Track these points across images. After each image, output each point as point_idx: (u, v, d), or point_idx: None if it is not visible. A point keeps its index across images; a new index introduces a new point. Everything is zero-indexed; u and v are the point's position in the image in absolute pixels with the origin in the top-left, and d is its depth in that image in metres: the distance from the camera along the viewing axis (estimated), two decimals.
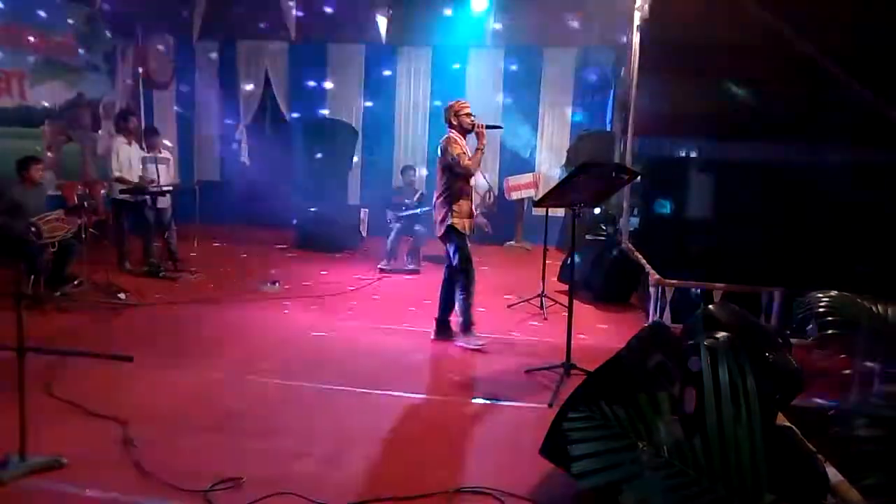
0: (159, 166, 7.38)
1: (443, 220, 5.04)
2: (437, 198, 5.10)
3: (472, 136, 5.05)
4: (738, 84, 6.89)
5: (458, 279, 5.08)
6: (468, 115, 5.04)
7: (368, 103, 11.05)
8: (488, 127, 5.06)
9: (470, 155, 4.98)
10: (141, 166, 7.42)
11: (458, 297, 5.11)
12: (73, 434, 3.37)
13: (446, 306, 5.26)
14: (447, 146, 4.97)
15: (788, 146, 6.92)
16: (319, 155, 9.68)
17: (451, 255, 5.09)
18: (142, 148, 7.74)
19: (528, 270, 8.01)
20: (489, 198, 10.88)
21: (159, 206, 7.39)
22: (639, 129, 7.66)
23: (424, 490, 2.90)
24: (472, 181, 5.19)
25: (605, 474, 1.52)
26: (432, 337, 5.28)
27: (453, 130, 5.05)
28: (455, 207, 5.00)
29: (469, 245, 5.10)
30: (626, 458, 1.55)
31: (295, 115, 11.15)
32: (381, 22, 10.22)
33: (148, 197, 7.18)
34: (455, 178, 4.99)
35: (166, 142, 8.12)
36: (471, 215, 5.12)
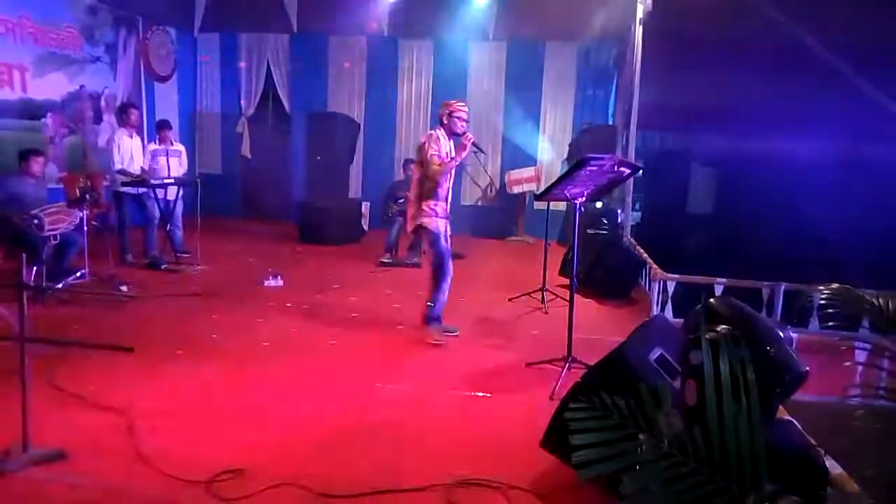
0: (170, 159, 7.51)
1: (413, 217, 4.99)
2: (412, 193, 5.00)
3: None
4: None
5: (432, 275, 5.05)
6: (462, 119, 4.90)
7: (370, 96, 11.04)
8: (474, 147, 4.88)
9: (445, 159, 4.81)
10: (143, 158, 7.45)
11: (432, 290, 5.06)
12: (74, 425, 3.38)
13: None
14: (425, 143, 4.85)
15: (792, 140, 6.92)
16: (321, 148, 9.67)
17: (427, 249, 5.07)
18: (144, 141, 7.74)
19: (529, 264, 8.02)
20: (491, 191, 10.90)
21: (168, 197, 7.48)
22: (641, 123, 7.67)
23: (426, 482, 2.91)
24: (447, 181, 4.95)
25: (606, 464, 1.53)
26: (419, 323, 5.14)
27: (441, 129, 4.91)
28: (424, 206, 4.90)
29: (446, 243, 5.00)
30: (626, 449, 1.56)
31: (296, 107, 11.14)
32: (383, 14, 10.20)
33: (151, 189, 7.20)
34: (427, 177, 4.86)
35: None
36: (441, 215, 4.96)
